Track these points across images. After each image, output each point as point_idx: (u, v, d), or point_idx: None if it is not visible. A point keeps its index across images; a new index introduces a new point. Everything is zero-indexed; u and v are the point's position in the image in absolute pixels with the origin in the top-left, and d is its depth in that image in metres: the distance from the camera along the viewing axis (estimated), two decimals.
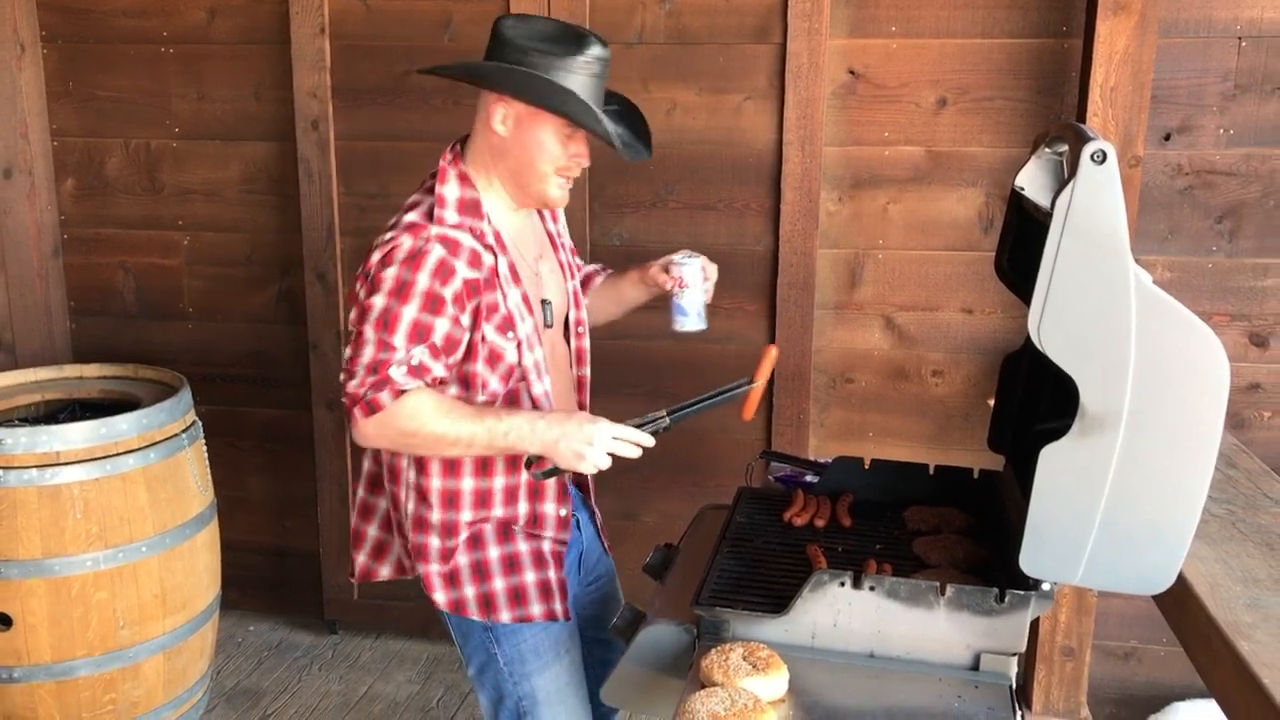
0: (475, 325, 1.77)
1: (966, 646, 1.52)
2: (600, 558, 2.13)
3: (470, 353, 1.78)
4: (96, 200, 3.36)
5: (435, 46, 3.03)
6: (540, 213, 2.00)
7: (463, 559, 1.87)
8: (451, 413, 1.72)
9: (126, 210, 3.35)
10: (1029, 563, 1.45)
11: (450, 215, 1.77)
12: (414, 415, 1.70)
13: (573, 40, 1.77)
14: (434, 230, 1.74)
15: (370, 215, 3.16)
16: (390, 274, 1.71)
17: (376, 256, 1.75)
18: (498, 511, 1.86)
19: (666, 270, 2.03)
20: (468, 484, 1.84)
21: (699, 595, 1.60)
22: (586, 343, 2.06)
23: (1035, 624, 1.57)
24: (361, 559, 2.01)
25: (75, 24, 3.24)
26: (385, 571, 1.99)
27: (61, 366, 2.96)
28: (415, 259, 1.71)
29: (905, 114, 2.87)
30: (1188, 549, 1.40)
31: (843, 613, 1.54)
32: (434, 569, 1.87)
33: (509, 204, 1.86)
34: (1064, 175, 1.71)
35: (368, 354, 1.70)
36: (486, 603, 1.88)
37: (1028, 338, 1.65)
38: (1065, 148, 1.68)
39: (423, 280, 1.71)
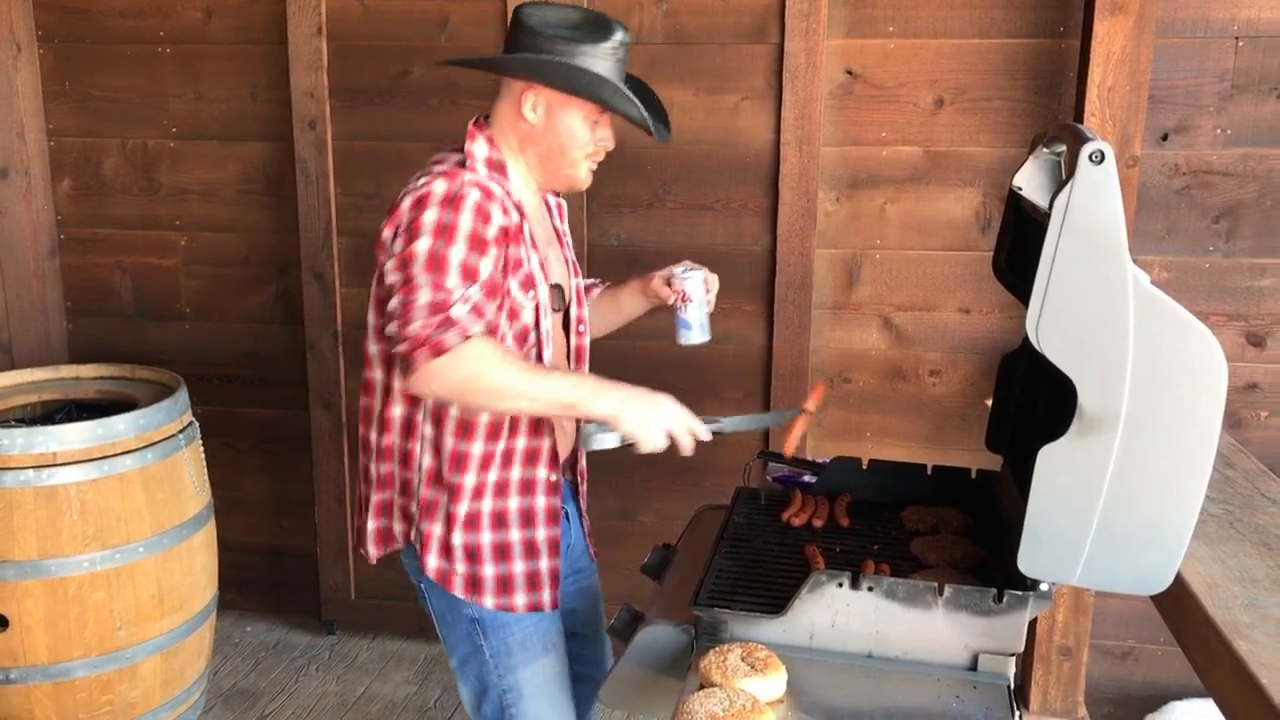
0: (504, 275, 1.76)
1: (965, 647, 1.51)
2: (583, 553, 2.12)
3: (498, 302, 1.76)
4: (93, 200, 3.35)
5: (433, 46, 3.03)
6: (548, 207, 2.00)
7: (458, 538, 1.84)
8: (515, 364, 1.69)
9: (123, 210, 3.35)
10: (1027, 563, 1.45)
11: (481, 169, 1.78)
12: (480, 359, 1.65)
13: (598, 27, 1.79)
14: (467, 176, 1.72)
15: (367, 215, 3.16)
16: (430, 218, 1.67)
17: (408, 202, 1.71)
18: (491, 475, 1.84)
19: (668, 283, 2.04)
20: (477, 448, 1.82)
21: (697, 595, 1.60)
22: (586, 341, 2.05)
23: (1032, 624, 1.57)
24: (371, 525, 1.94)
25: (72, 24, 3.24)
26: (398, 528, 1.91)
27: (58, 367, 2.96)
28: (454, 201, 1.68)
29: (903, 114, 2.88)
30: (1185, 549, 1.40)
31: (841, 613, 1.54)
32: (436, 530, 1.84)
33: (530, 185, 1.88)
34: (1062, 175, 1.71)
35: (423, 296, 1.64)
36: (473, 583, 1.85)
37: (1025, 337, 1.65)
38: (1063, 148, 1.68)
39: (465, 221, 1.68)
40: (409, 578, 1.95)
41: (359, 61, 3.09)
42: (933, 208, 2.91)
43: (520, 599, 1.88)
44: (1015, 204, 1.83)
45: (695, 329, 2.02)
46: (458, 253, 1.66)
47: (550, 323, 1.88)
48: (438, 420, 1.81)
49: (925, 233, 2.93)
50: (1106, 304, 1.34)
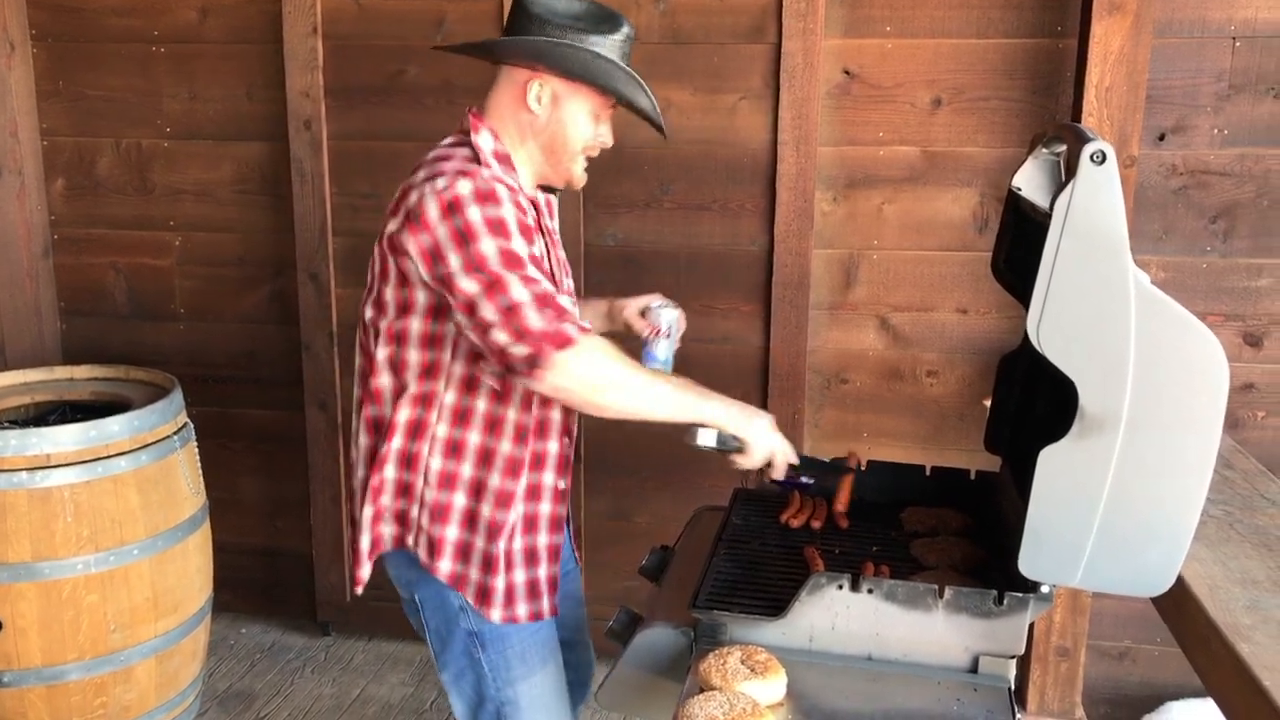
0: None
1: (965, 649, 1.51)
2: (570, 556, 2.10)
3: None
4: (87, 200, 3.34)
5: (428, 46, 3.02)
6: (537, 207, 1.99)
7: (480, 542, 1.79)
8: (627, 358, 1.66)
9: (117, 210, 3.33)
10: (1028, 565, 1.45)
11: (493, 163, 1.73)
12: (602, 349, 1.62)
13: (606, 18, 1.76)
14: (486, 172, 1.67)
15: (363, 215, 3.14)
16: (475, 216, 1.61)
17: (436, 207, 1.63)
18: (513, 480, 1.80)
19: (642, 314, 2.03)
20: (505, 446, 1.78)
21: (696, 598, 1.59)
22: None
23: (1030, 625, 1.57)
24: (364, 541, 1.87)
25: (65, 23, 3.22)
26: (388, 532, 1.84)
27: (52, 368, 2.94)
28: (488, 196, 1.63)
29: (900, 114, 2.87)
30: (1187, 551, 1.39)
31: (841, 615, 1.53)
32: (451, 533, 1.78)
33: (530, 179, 1.84)
34: (1061, 176, 1.71)
35: (520, 294, 1.59)
36: (483, 594, 1.80)
37: (1024, 338, 1.65)
38: (1063, 148, 1.68)
39: (510, 214, 1.64)
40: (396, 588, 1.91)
41: (354, 61, 3.08)
42: (930, 208, 2.91)
43: (522, 609, 1.84)
44: (1014, 204, 1.83)
45: (660, 363, 2.01)
46: (520, 245, 1.63)
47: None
48: (461, 417, 1.76)
49: (922, 233, 2.92)
50: (1108, 305, 1.34)
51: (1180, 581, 1.45)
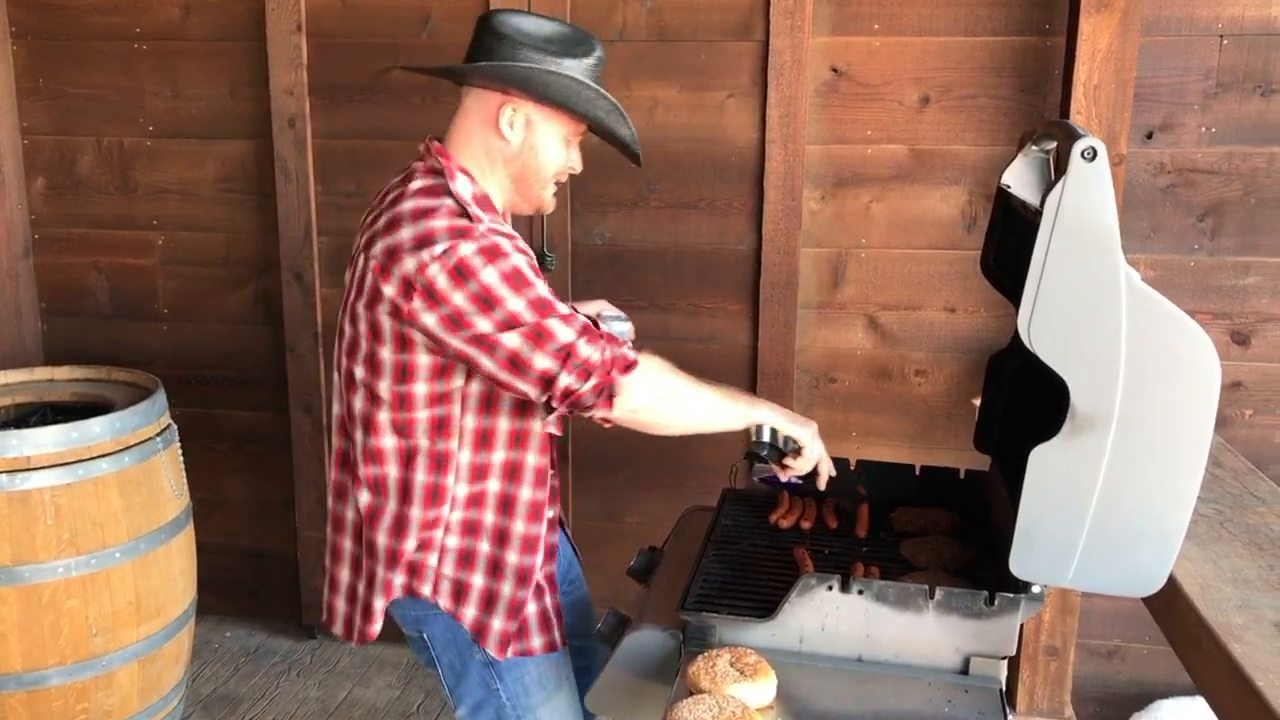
0: None
1: (956, 650, 1.50)
2: (573, 560, 2.09)
3: None
4: (68, 199, 3.30)
5: (414, 44, 3.00)
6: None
7: (507, 589, 1.77)
8: (678, 370, 1.68)
9: (99, 209, 3.29)
10: (1019, 565, 1.44)
11: (482, 215, 1.63)
12: (659, 367, 1.64)
13: (578, 41, 1.70)
14: (481, 226, 1.60)
15: (348, 214, 3.12)
16: (491, 277, 1.56)
17: (441, 275, 1.55)
18: (535, 525, 1.78)
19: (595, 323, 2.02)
20: (525, 493, 1.76)
21: (685, 600, 1.58)
22: None
23: (1020, 625, 1.56)
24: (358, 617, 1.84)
25: (46, 20, 3.18)
26: (399, 581, 1.77)
27: (32, 369, 2.91)
28: (493, 251, 1.57)
29: (888, 112, 2.86)
30: (1178, 550, 1.38)
31: (831, 616, 1.52)
32: (478, 581, 1.75)
33: (504, 207, 1.78)
34: (1050, 173, 1.70)
35: (565, 333, 1.57)
36: (505, 641, 1.78)
37: (1014, 336, 1.64)
38: (1052, 145, 1.67)
39: (520, 262, 1.59)
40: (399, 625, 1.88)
41: (339, 59, 3.05)
42: (918, 206, 2.90)
43: (537, 640, 1.82)
44: (1003, 202, 1.82)
45: None
46: (543, 289, 1.60)
47: None
48: (480, 473, 1.72)
49: (911, 231, 2.91)
50: (1099, 302, 1.33)
51: (1171, 581, 1.44)
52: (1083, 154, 1.31)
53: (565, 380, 1.58)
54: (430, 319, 1.58)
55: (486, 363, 1.59)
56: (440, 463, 1.70)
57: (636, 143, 1.77)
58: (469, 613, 1.77)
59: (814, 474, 1.88)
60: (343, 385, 1.76)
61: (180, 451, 2.80)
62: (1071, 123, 1.68)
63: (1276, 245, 2.79)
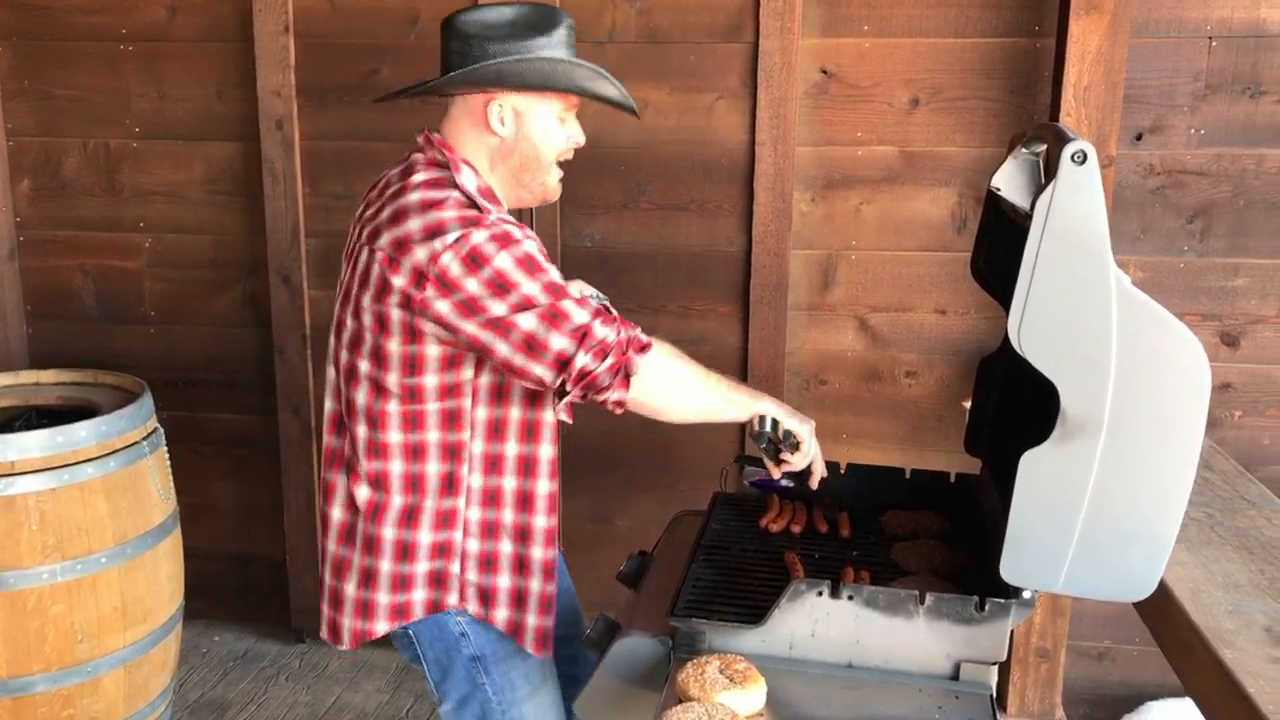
0: None
1: (946, 656, 1.49)
2: (564, 572, 2.08)
3: None
4: (54, 201, 3.28)
5: (402, 45, 2.98)
6: None
7: (535, 585, 1.79)
8: (689, 358, 1.69)
9: (85, 211, 3.27)
10: (1009, 570, 1.43)
11: (489, 205, 1.64)
12: (670, 352, 1.65)
13: (542, 18, 1.68)
14: (491, 216, 1.61)
15: (337, 216, 3.10)
16: (505, 261, 1.56)
17: (455, 263, 1.55)
18: (553, 518, 1.80)
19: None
20: (543, 486, 1.78)
21: (674, 606, 1.57)
22: None
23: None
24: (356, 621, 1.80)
25: (31, 20, 3.16)
26: (419, 599, 1.76)
27: (17, 373, 2.87)
28: (505, 238, 1.58)
29: (878, 114, 2.86)
30: (1169, 555, 1.38)
31: (821, 622, 1.51)
32: (504, 581, 1.75)
33: (507, 200, 1.78)
34: (1041, 176, 1.70)
35: (581, 315, 1.58)
36: (544, 638, 1.80)
37: (1004, 340, 1.64)
38: (1042, 148, 1.66)
39: (531, 246, 1.61)
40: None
41: (327, 60, 3.03)
42: (908, 208, 2.89)
43: (549, 648, 1.84)
44: (993, 205, 1.81)
45: None
46: (556, 274, 1.62)
47: None
48: (493, 464, 1.72)
49: (901, 233, 2.91)
50: (1089, 307, 1.32)
51: (1162, 586, 1.44)
52: (1073, 157, 1.30)
53: (582, 360, 1.57)
54: (444, 306, 1.57)
55: (502, 347, 1.58)
56: (453, 453, 1.70)
57: (627, 98, 1.76)
58: (501, 615, 1.77)
59: (805, 475, 1.87)
60: (341, 381, 1.74)
61: (167, 455, 2.77)
62: (1062, 126, 1.68)
63: (1265, 247, 2.79)
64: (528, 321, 1.56)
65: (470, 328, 1.58)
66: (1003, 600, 1.46)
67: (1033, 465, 1.38)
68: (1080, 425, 1.35)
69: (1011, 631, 2.59)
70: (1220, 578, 1.50)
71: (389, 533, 1.72)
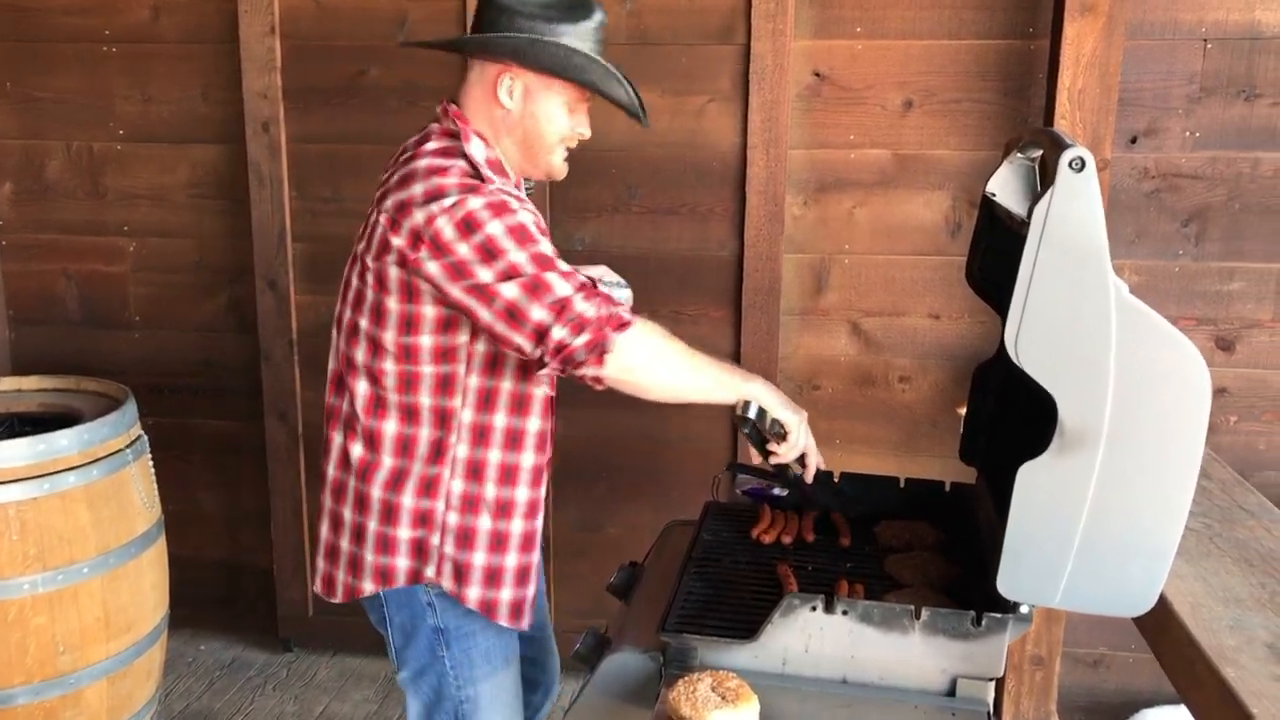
0: None
1: (942, 671, 1.46)
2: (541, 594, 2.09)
3: None
4: (37, 205, 3.23)
5: (390, 46, 2.94)
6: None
7: (512, 560, 1.80)
8: (675, 337, 1.67)
9: (69, 215, 3.23)
10: (1006, 585, 1.40)
11: (493, 176, 1.68)
12: (653, 329, 1.62)
13: (578, 5, 1.70)
14: (492, 186, 1.65)
15: (323, 220, 3.07)
16: (497, 228, 1.58)
17: (449, 227, 1.59)
18: (533, 491, 1.81)
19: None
20: (528, 459, 1.79)
21: (665, 620, 1.54)
22: None
23: None
24: (342, 575, 1.85)
25: (13, 22, 3.11)
26: (403, 566, 1.79)
27: None
28: (500, 207, 1.60)
29: (871, 116, 2.83)
30: (1169, 569, 1.35)
31: (814, 638, 1.48)
32: (478, 559, 1.76)
33: (515, 174, 1.80)
34: (1036, 181, 1.67)
35: (564, 288, 1.57)
36: (516, 608, 1.82)
37: (1000, 347, 1.60)
38: (1038, 153, 1.63)
39: (527, 219, 1.62)
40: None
41: (314, 61, 3.00)
42: (901, 211, 2.87)
43: (524, 620, 1.85)
44: (988, 210, 1.79)
45: None
46: (547, 246, 1.62)
47: None
48: (480, 435, 1.73)
49: (894, 237, 2.88)
50: (1088, 316, 1.30)
51: (1162, 600, 1.41)
52: (1071, 164, 1.27)
53: (558, 333, 1.57)
54: (434, 267, 1.60)
55: (484, 314, 1.60)
56: (444, 419, 1.72)
57: (634, 105, 1.75)
58: (473, 593, 1.77)
59: (798, 485, 1.85)
60: (341, 339, 1.79)
61: (151, 463, 2.73)
62: (1058, 131, 1.65)
63: (1260, 250, 2.78)
64: (510, 290, 1.58)
65: (456, 291, 1.61)
66: (1000, 615, 1.43)
67: (1030, 478, 1.35)
68: (1079, 437, 1.32)
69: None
70: (1220, 591, 1.48)
71: (376, 493, 1.76)
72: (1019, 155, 1.65)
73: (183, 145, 3.14)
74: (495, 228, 1.58)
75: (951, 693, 1.46)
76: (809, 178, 2.88)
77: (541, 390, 1.77)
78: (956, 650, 1.45)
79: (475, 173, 1.66)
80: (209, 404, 3.28)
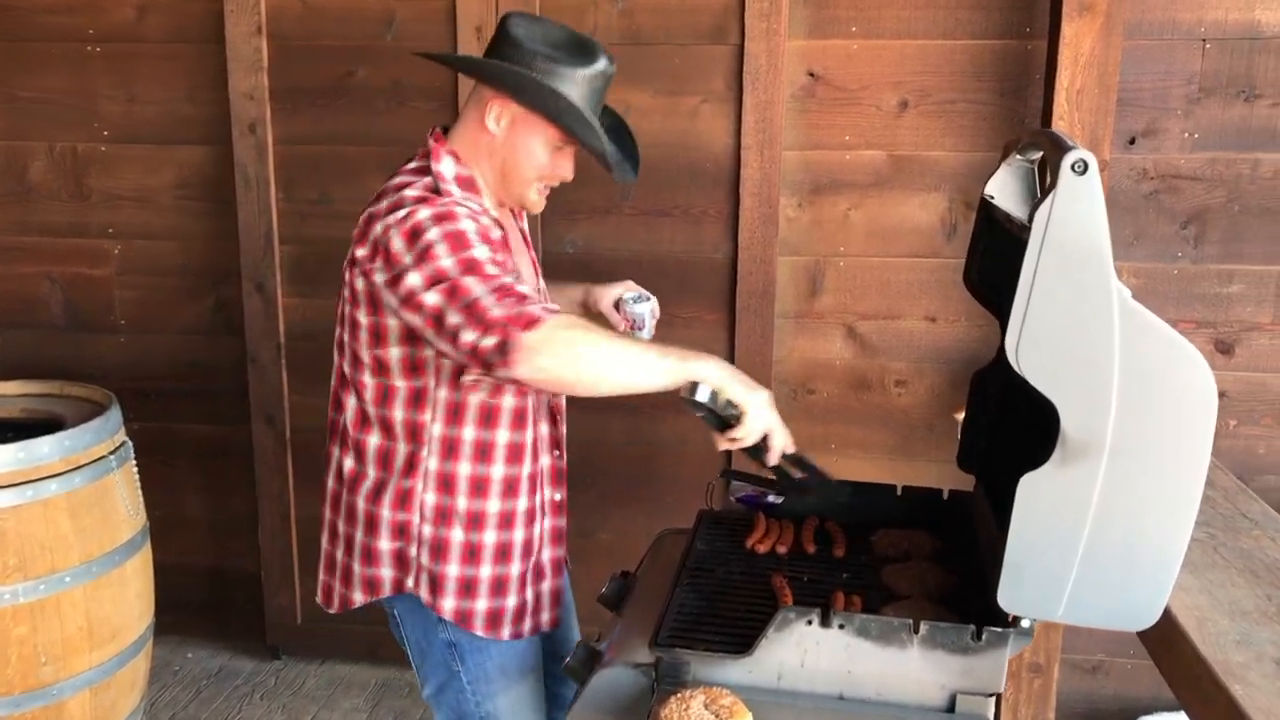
0: None
1: (941, 687, 1.42)
2: (566, 588, 2.06)
3: None
4: (19, 207, 3.18)
5: (378, 46, 2.90)
6: (512, 210, 1.94)
7: (485, 571, 1.80)
8: (600, 328, 1.60)
9: (52, 217, 3.18)
10: (1007, 599, 1.37)
11: (455, 190, 1.71)
12: (572, 325, 1.54)
13: (582, 50, 1.74)
14: (447, 199, 1.67)
15: (311, 222, 3.02)
16: (434, 235, 1.59)
17: (398, 237, 1.61)
18: (507, 503, 1.80)
19: (617, 307, 2.06)
20: (498, 471, 1.77)
21: (657, 634, 1.50)
22: None
23: None
24: (337, 583, 1.87)
25: None
26: (387, 576, 1.81)
27: None
28: (446, 217, 1.62)
29: (866, 117, 2.79)
30: (1174, 582, 1.31)
31: (810, 652, 1.44)
32: (452, 570, 1.76)
33: (492, 199, 1.81)
34: (1035, 183, 1.64)
35: (480, 290, 1.55)
36: (493, 619, 1.81)
37: (998, 352, 1.57)
38: (1037, 155, 1.60)
39: (468, 226, 1.62)
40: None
41: (301, 62, 2.95)
42: (897, 213, 2.83)
43: (527, 624, 1.86)
44: (986, 213, 1.75)
45: None
46: (482, 251, 1.60)
47: None
48: (450, 449, 1.74)
49: (889, 239, 2.85)
50: (1091, 323, 1.26)
51: (1167, 614, 1.38)
52: (1073, 167, 1.24)
53: (467, 336, 1.54)
54: (380, 278, 1.64)
55: (417, 321, 1.61)
56: (415, 433, 1.74)
57: (608, 157, 1.74)
58: (448, 604, 1.78)
59: (795, 490, 1.79)
60: (336, 355, 1.83)
61: (135, 469, 2.69)
62: (1059, 132, 1.61)
63: (1260, 253, 2.74)
64: (432, 297, 1.57)
65: (395, 301, 1.63)
66: (1000, 629, 1.40)
67: (1031, 489, 1.31)
68: (1081, 447, 1.29)
69: None
70: (1226, 604, 1.44)
71: (361, 504, 1.80)
72: (1018, 157, 1.61)
73: (168, 146, 3.09)
74: (434, 234, 1.60)
75: (951, 708, 1.42)
76: (803, 179, 2.84)
77: (510, 401, 1.75)
78: (956, 665, 1.41)
79: (437, 188, 1.69)
80: (195, 408, 3.23)
